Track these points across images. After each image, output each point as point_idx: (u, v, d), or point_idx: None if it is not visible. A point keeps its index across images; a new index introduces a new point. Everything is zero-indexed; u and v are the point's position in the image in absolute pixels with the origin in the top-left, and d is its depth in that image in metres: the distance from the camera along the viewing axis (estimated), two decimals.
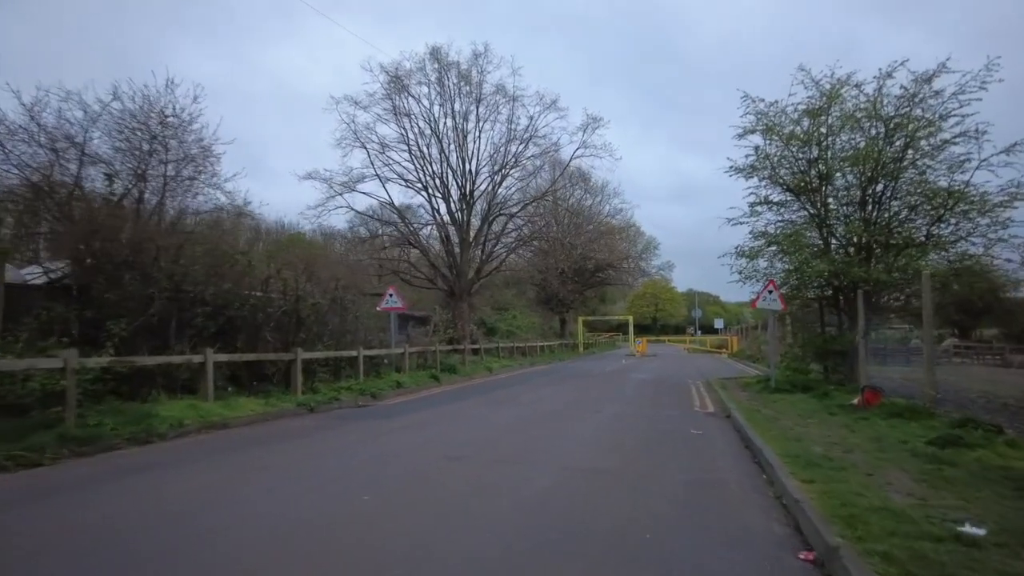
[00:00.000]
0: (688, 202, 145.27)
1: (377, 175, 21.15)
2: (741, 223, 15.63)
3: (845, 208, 14.72)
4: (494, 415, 9.86)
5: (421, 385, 15.00)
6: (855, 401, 10.06)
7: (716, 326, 59.00)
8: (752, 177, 15.21)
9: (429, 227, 22.91)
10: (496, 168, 22.76)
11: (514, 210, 23.76)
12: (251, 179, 70.87)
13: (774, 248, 15.52)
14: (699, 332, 64.38)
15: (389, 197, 21.74)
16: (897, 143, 13.38)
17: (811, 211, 14.80)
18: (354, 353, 13.36)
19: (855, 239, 14.25)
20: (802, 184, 14.78)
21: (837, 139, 14.37)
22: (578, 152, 23.72)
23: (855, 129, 14.05)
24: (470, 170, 22.77)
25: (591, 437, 7.49)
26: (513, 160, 22.54)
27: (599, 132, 23.60)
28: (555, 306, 39.51)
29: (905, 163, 13.42)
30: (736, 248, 16.02)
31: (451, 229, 22.93)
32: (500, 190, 23.22)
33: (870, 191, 13.92)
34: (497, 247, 24.73)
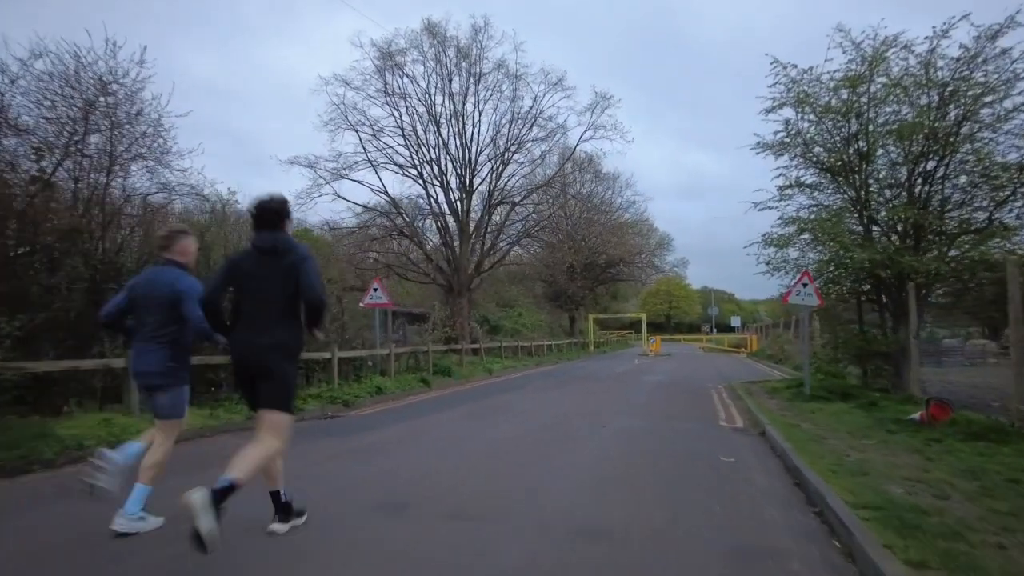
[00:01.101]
0: (699, 199, 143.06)
1: (369, 161, 19.56)
2: (769, 208, 13.86)
3: (888, 191, 12.90)
4: (476, 433, 8.20)
5: (407, 390, 13.39)
6: (916, 416, 8.29)
7: (732, 324, 57.03)
8: (782, 155, 13.43)
9: (427, 218, 21.23)
10: (498, 152, 21.10)
11: (517, 198, 22.00)
12: (256, 176, 69.93)
13: (806, 236, 13.75)
14: (714, 330, 62.39)
15: (382, 185, 20.22)
16: (953, 113, 11.56)
17: (849, 194, 12.99)
18: (327, 355, 11.76)
19: (900, 226, 12.45)
20: (839, 163, 12.99)
21: (880, 111, 12.55)
22: (586, 135, 22.01)
23: (901, 100, 12.23)
24: (469, 157, 21.11)
25: (590, 469, 5.80)
26: (516, 144, 20.84)
27: (609, 112, 21.85)
28: (564, 303, 37.79)
29: (961, 136, 11.59)
30: (763, 236, 14.26)
31: (449, 219, 21.29)
32: (503, 177, 21.55)
33: (919, 169, 12.10)
34: (499, 239, 23.00)
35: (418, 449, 6.81)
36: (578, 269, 36.49)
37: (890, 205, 12.84)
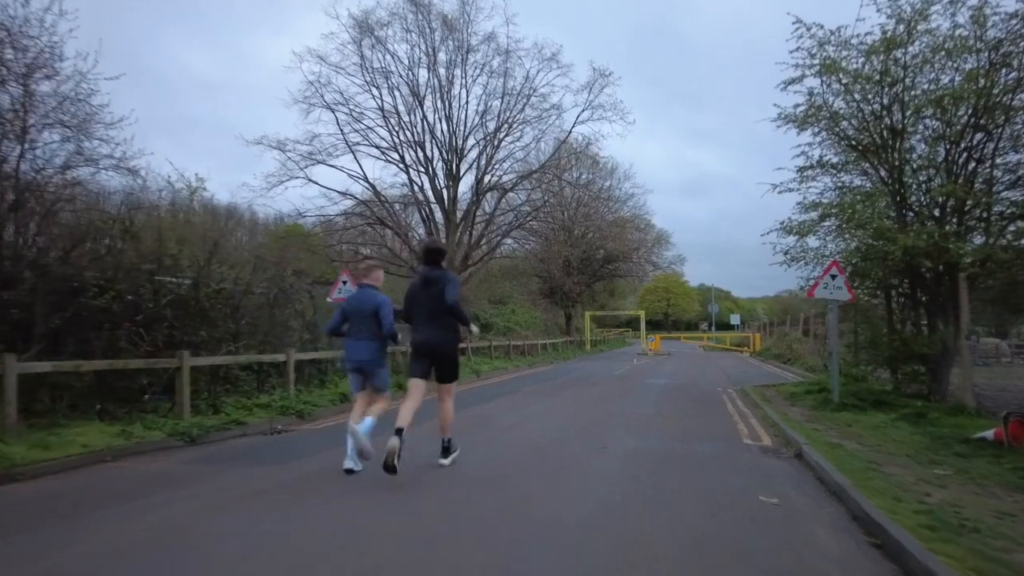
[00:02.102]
0: (697, 196, 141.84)
1: (347, 143, 17.88)
2: (789, 190, 12.29)
3: (923, 172, 11.33)
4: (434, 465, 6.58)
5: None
6: (989, 434, 6.73)
7: (732, 322, 55.60)
8: (805, 130, 11.85)
9: (408, 206, 19.44)
10: (487, 133, 19.42)
11: (508, 184, 20.26)
12: (249, 172, 68.06)
13: (830, 222, 12.20)
14: (713, 329, 61.02)
15: (362, 171, 18.55)
16: (1006, 79, 10.00)
17: (881, 174, 11.43)
18: (280, 358, 10.14)
19: (937, 210, 10.92)
20: (869, 139, 11.43)
21: (919, 79, 10.98)
22: (584, 115, 20.33)
23: (945, 65, 10.68)
24: (456, 142, 19.43)
25: (585, 528, 4.17)
26: (506, 125, 19.19)
27: (608, 91, 20.15)
28: (560, 300, 36.18)
29: (1015, 107, 10.05)
30: (781, 223, 12.70)
31: (435, 208, 19.64)
32: (493, 162, 19.82)
33: (962, 144, 10.55)
34: (489, 230, 21.30)
35: (355, 490, 5.19)
36: (574, 264, 34.89)
37: (925, 187, 11.32)
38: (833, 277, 10.50)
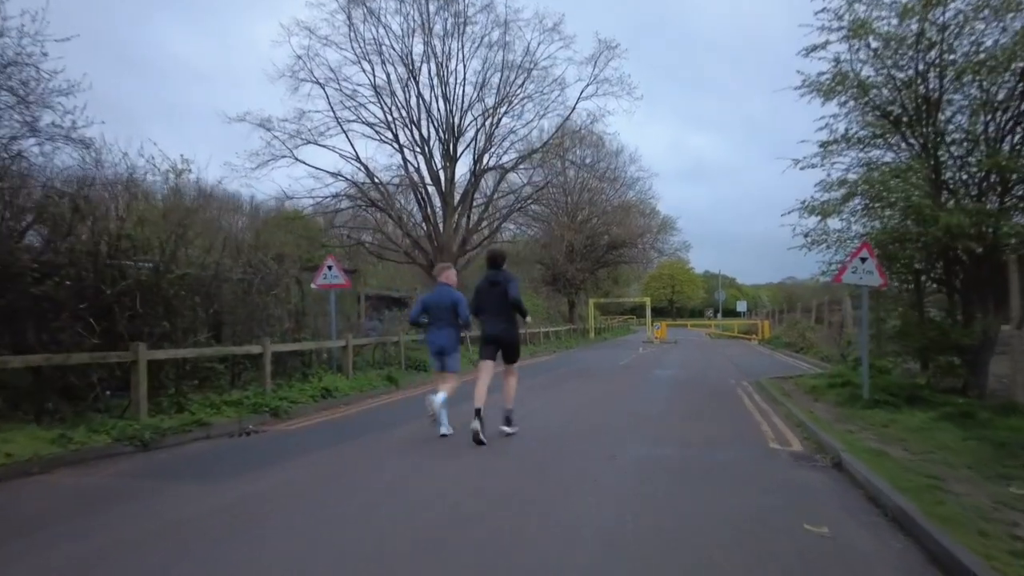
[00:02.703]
0: (699, 183, 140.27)
1: (337, 120, 16.82)
2: (812, 166, 11.27)
3: (965, 144, 10.31)
4: (418, 473, 5.69)
5: (367, 391, 10.90)
6: None
7: (739, 309, 54.66)
8: (831, 99, 10.81)
9: (401, 188, 18.36)
10: (486, 109, 18.32)
11: (508, 164, 19.16)
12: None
13: (856, 201, 11.19)
14: (719, 316, 60.11)
15: (353, 150, 17.53)
16: None
17: (915, 148, 10.41)
18: (256, 349, 9.24)
19: (977, 187, 9.92)
20: (901, 110, 10.41)
21: (958, 42, 9.94)
22: (588, 91, 19.22)
23: (988, 28, 9.64)
24: (453, 120, 18.36)
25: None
26: (506, 102, 18.11)
27: (614, 65, 19.00)
28: (563, 287, 35.20)
29: None
30: (803, 203, 11.70)
31: (432, 191, 18.66)
32: (492, 140, 18.73)
33: (1011, 111, 9.52)
34: (489, 213, 20.25)
35: (304, 522, 4.27)
36: (578, 250, 33.87)
37: (961, 162, 10.32)
38: (863, 260, 9.50)
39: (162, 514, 4.23)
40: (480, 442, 6.45)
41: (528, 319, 7.93)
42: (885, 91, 10.41)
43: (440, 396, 6.93)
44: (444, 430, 7.05)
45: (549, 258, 33.52)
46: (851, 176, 11.18)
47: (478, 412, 6.58)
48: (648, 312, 42.66)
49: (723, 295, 55.87)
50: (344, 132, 16.92)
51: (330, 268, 11.76)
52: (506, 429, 7.10)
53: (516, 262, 36.19)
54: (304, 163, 16.12)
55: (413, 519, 4.10)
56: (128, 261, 8.09)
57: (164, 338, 8.14)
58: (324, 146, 17.14)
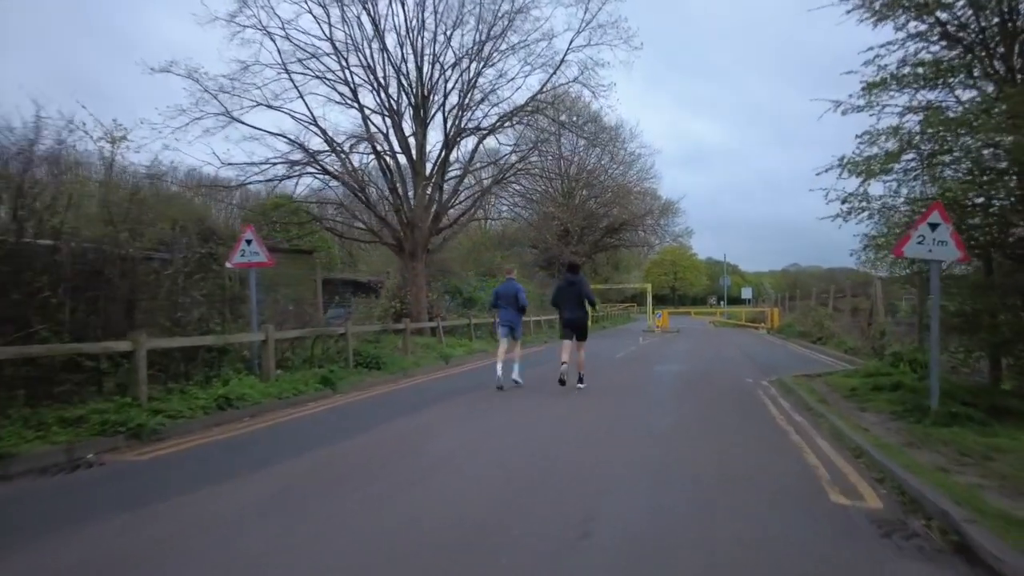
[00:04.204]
0: (699, 169, 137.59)
1: (287, 71, 14.23)
2: (859, 110, 8.87)
3: None
4: (271, 558, 3.39)
5: (288, 398, 8.60)
6: None
7: (744, 296, 52.33)
8: (885, 20, 8.40)
9: (356, 146, 15.74)
10: (462, 56, 15.69)
11: (487, 122, 16.50)
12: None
13: (911, 156, 8.83)
14: (724, 303, 57.87)
15: (310, 114, 15.01)
16: None
17: (997, 76, 8.02)
18: (123, 346, 6.91)
19: None
20: (979, 34, 8.04)
21: None
22: (578, 40, 16.56)
23: None
24: (423, 72, 15.84)
25: None
26: (487, 48, 15.51)
27: (608, 8, 16.44)
28: (558, 272, 32.81)
29: None
30: (840, 159, 9.36)
31: (401, 159, 16.21)
32: (469, 97, 16.11)
33: None
34: (468, 186, 17.74)
35: None
36: (574, 232, 31.42)
37: None
38: (933, 227, 7.13)
39: None
40: (563, 383, 9.41)
41: (597, 309, 10.44)
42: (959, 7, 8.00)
43: (517, 367, 9.98)
44: (501, 383, 9.72)
45: (542, 240, 31.07)
46: (907, 124, 8.82)
47: (564, 363, 9.40)
48: (649, 299, 40.30)
49: (728, 281, 53.55)
50: (295, 86, 14.41)
51: (249, 243, 9.42)
52: (580, 385, 9.68)
53: (508, 245, 33.85)
54: (241, 122, 13.64)
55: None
56: None
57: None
58: (271, 106, 14.67)
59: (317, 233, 19.54)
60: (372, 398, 9.31)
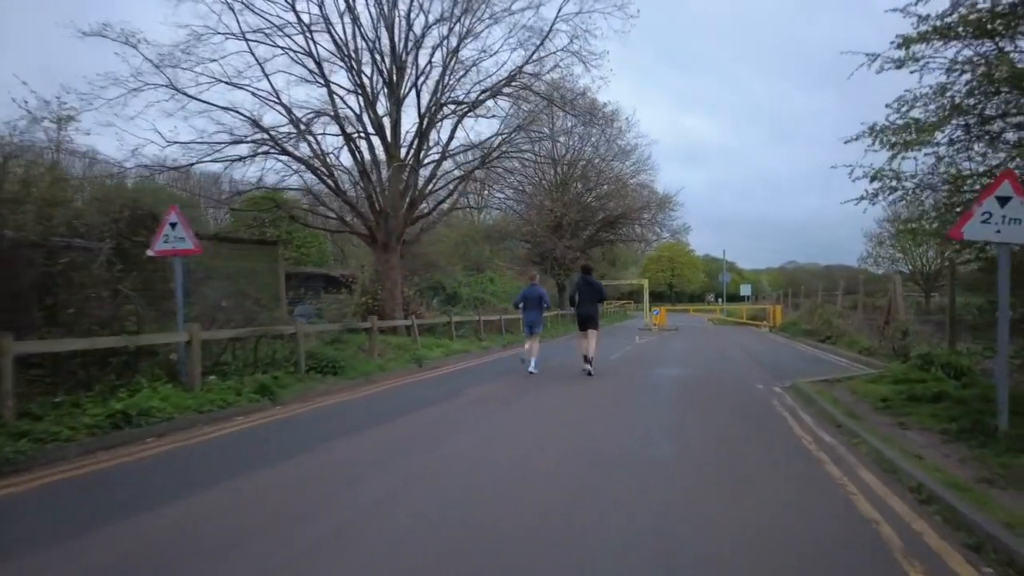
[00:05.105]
0: (694, 166, 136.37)
1: (244, 38, 12.61)
2: (897, 65, 7.41)
3: None
4: None
5: (211, 412, 7.14)
6: None
7: (743, 293, 50.99)
8: None
9: (334, 135, 14.24)
10: (438, 21, 14.09)
11: (469, 99, 14.88)
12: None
13: (960, 123, 7.42)
14: (723, 300, 56.55)
15: (273, 89, 13.42)
16: None
17: None
18: None
19: None
20: None
21: None
22: (567, 8, 14.89)
23: None
24: (396, 44, 14.28)
25: None
26: (467, 20, 13.89)
27: None
28: (551, 268, 31.35)
29: None
30: (871, 127, 7.98)
31: (375, 142, 14.68)
32: (449, 70, 14.53)
33: None
34: (444, 170, 16.14)
35: None
36: (568, 226, 29.94)
37: None
38: (1002, 201, 5.70)
39: None
40: (588, 373, 10.99)
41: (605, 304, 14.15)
42: None
43: (534, 360, 11.37)
44: (532, 368, 11.25)
45: (532, 234, 29.58)
46: (954, 86, 7.38)
47: (585, 357, 11.14)
48: (646, 296, 38.86)
49: (728, 277, 52.19)
50: (252, 53, 12.77)
51: (173, 226, 7.94)
52: (587, 367, 11.07)
53: (499, 239, 32.39)
54: (185, 94, 12.02)
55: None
56: None
57: None
58: (237, 85, 13.14)
59: (283, 224, 18.07)
60: (316, 411, 7.85)
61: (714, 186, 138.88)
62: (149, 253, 8.09)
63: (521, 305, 11.96)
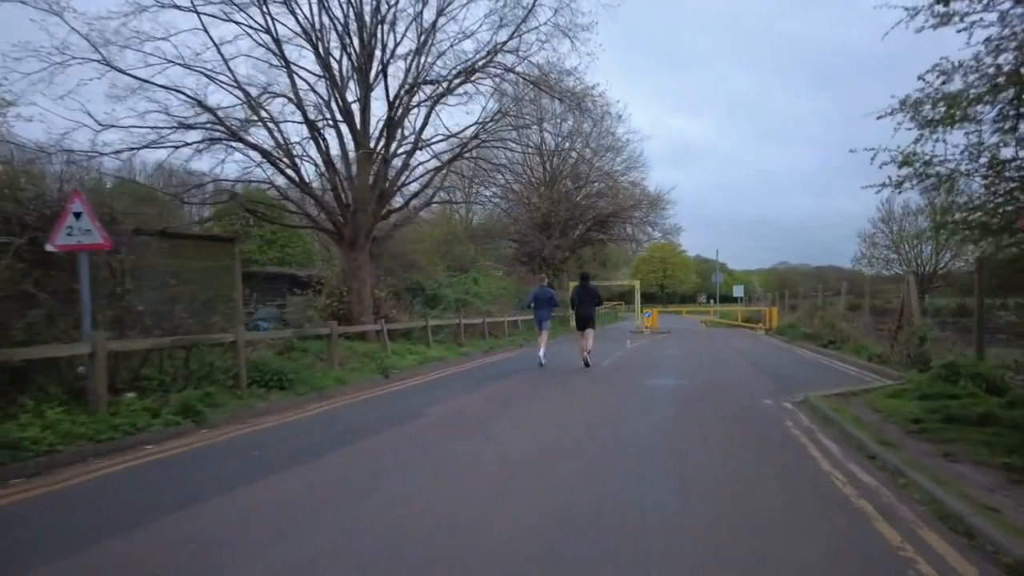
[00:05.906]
0: (682, 167, 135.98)
1: (194, 8, 11.25)
2: (944, 20, 6.26)
3: None
4: None
5: (113, 440, 5.86)
6: None
7: (736, 294, 50.03)
8: None
9: (296, 121, 12.92)
10: None
11: (448, 84, 13.46)
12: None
13: (1010, 94, 6.30)
14: (715, 301, 55.53)
15: (230, 70, 12.08)
16: None
17: None
18: None
19: None
20: None
21: None
22: None
23: None
24: (364, 21, 12.94)
25: None
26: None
27: None
28: (539, 268, 30.15)
29: None
30: (902, 101, 6.87)
31: (344, 129, 13.35)
32: (425, 50, 13.21)
33: None
34: (418, 160, 14.80)
35: None
36: (556, 224, 28.75)
37: None
38: None
39: None
40: (587, 364, 12.56)
41: (602, 306, 15.52)
42: None
43: (543, 352, 12.94)
44: (543, 360, 12.77)
45: (518, 233, 28.38)
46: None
47: (585, 352, 12.64)
48: (637, 297, 37.73)
49: (721, 278, 51.23)
50: (206, 30, 11.46)
51: (78, 216, 6.65)
52: (585, 356, 12.63)
53: (485, 239, 31.16)
54: (119, 70, 10.66)
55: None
56: None
57: None
58: (190, 67, 11.81)
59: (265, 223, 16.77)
60: (247, 436, 6.58)
61: (704, 187, 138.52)
62: (49, 248, 6.78)
63: (532, 304, 13.57)
